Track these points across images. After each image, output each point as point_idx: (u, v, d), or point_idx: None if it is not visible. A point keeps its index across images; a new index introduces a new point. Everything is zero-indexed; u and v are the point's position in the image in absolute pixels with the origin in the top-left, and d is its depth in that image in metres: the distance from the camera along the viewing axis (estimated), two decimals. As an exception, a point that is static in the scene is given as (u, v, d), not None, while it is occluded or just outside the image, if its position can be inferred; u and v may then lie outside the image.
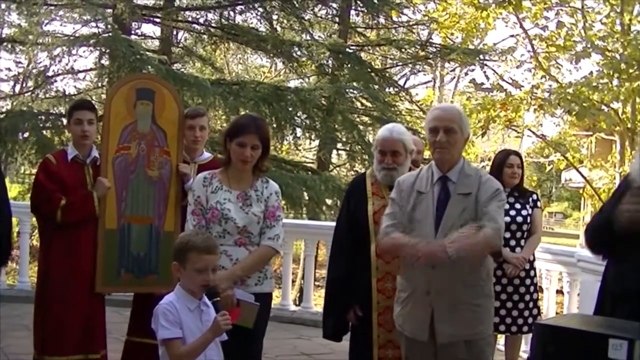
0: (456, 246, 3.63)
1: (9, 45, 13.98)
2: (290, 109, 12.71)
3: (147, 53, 12.27)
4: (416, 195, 3.92)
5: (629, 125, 12.87)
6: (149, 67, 11.10)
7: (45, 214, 4.72)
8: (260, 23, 14.72)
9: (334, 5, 15.13)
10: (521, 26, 14.28)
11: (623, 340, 2.21)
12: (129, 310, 5.38)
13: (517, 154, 6.25)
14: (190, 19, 14.53)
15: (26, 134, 11.74)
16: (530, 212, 5.98)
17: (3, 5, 13.29)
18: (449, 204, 3.84)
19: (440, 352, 3.80)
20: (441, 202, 3.85)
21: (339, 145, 15.43)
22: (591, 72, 12.63)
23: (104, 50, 12.00)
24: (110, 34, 11.81)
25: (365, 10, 15.40)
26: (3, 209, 4.36)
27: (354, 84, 14.37)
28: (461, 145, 3.98)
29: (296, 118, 13.13)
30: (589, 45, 12.43)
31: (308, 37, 14.94)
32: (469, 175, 3.90)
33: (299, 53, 13.78)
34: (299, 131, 13.71)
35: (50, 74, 13.62)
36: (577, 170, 15.52)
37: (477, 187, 3.86)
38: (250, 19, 14.79)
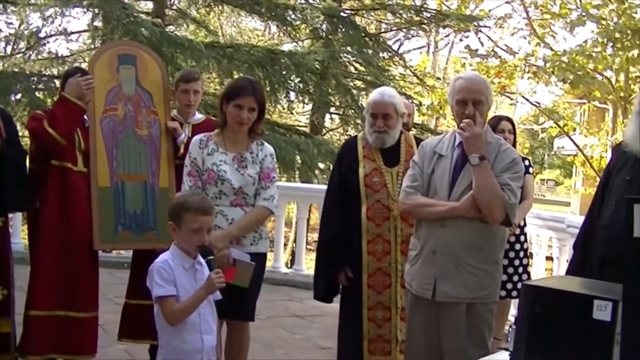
0: (485, 166, 3.72)
1: (1, 6, 13.82)
2: (284, 72, 12.68)
3: (141, 15, 12.19)
4: (437, 158, 3.94)
5: (622, 94, 12.86)
6: (143, 29, 11.02)
7: (34, 131, 4.62)
8: (255, -15, 14.62)
9: (329, -32, 15.03)
10: (516, -8, 14.22)
11: (607, 302, 2.24)
12: (122, 272, 5.40)
13: (509, 119, 6.25)
14: (184, -20, 14.42)
15: (18, 96, 11.69)
16: (521, 177, 6.02)
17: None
18: (464, 168, 3.83)
19: (442, 312, 3.82)
20: (458, 166, 3.86)
21: (332, 109, 15.43)
22: (586, 41, 12.55)
23: (97, 11, 11.91)
24: (103, -5, 11.71)
25: (361, -26, 15.34)
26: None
27: (348, 48, 14.33)
28: (486, 115, 3.96)
29: (290, 82, 13.09)
30: (583, 13, 12.35)
31: (302, 1, 14.83)
32: (489, 142, 3.86)
33: (293, 17, 13.70)
34: (292, 95, 13.71)
35: (42, 35, 13.55)
36: (570, 138, 15.52)
37: (494, 155, 3.84)
38: (245, -19, 14.68)
